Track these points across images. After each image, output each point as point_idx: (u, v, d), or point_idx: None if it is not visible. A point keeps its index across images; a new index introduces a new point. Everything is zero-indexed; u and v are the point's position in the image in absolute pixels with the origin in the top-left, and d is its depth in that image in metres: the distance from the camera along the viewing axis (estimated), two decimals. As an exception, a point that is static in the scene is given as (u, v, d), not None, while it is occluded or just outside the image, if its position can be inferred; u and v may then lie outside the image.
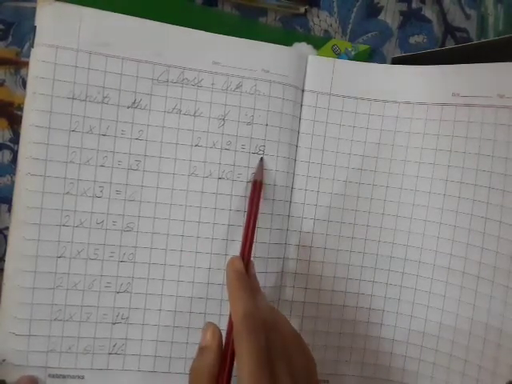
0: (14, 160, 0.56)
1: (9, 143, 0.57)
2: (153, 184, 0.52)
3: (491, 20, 0.62)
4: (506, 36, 0.54)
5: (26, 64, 0.51)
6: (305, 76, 0.55)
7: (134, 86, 0.51)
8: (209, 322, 0.45)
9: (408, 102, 0.56)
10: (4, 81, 0.57)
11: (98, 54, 0.50)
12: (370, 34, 0.63)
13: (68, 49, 0.50)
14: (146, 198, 0.52)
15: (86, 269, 0.51)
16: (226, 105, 0.53)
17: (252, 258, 0.48)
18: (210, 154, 0.53)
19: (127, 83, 0.51)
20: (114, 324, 0.52)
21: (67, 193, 0.50)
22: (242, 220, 0.53)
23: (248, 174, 0.53)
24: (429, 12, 0.63)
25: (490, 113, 0.52)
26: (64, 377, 0.51)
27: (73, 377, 0.51)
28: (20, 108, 0.56)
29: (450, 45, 0.64)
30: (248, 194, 0.53)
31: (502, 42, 0.55)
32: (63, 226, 0.50)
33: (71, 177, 0.50)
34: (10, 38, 0.57)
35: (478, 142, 0.53)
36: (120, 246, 0.51)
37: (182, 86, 0.52)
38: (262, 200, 0.52)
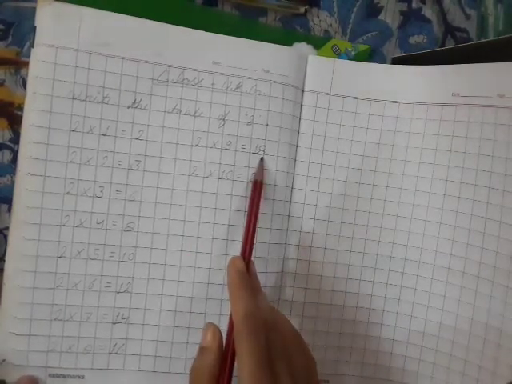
0: (14, 160, 0.56)
1: (9, 143, 0.57)
2: (153, 184, 0.52)
3: (491, 20, 0.62)
4: (506, 36, 0.54)
5: (26, 64, 0.51)
6: (305, 76, 0.55)
7: (134, 85, 0.51)
8: (209, 323, 0.46)
9: (408, 102, 0.56)
10: (4, 81, 0.57)
11: (98, 54, 0.50)
12: (369, 34, 0.63)
13: (68, 49, 0.50)
14: (146, 198, 0.52)
15: (86, 269, 0.51)
16: (226, 105, 0.53)
17: (252, 258, 0.48)
18: (210, 154, 0.53)
19: (127, 83, 0.51)
20: (114, 324, 0.52)
21: (67, 193, 0.50)
22: (242, 220, 0.53)
23: (248, 174, 0.53)
24: (429, 12, 0.63)
25: (490, 113, 0.52)
26: (64, 376, 0.51)
27: (73, 377, 0.51)
28: (20, 108, 0.56)
29: (450, 45, 0.64)
30: (248, 194, 0.53)
31: (502, 42, 0.55)
32: (63, 226, 0.50)
33: (71, 177, 0.50)
34: (9, 38, 0.57)
35: (478, 141, 0.53)
36: (120, 246, 0.52)
37: (182, 86, 0.52)
38: (262, 200, 0.51)
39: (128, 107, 0.51)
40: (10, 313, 0.50)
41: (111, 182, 0.51)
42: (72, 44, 0.50)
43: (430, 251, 0.55)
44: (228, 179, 0.53)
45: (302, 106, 0.55)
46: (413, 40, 0.63)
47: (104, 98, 0.50)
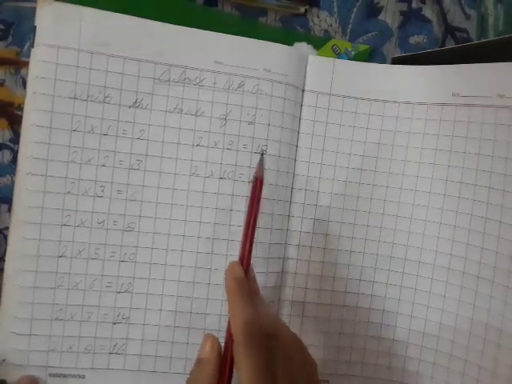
0: (14, 160, 0.56)
1: (9, 143, 0.57)
2: (154, 184, 0.52)
3: (491, 20, 0.62)
4: (506, 36, 0.55)
5: (26, 64, 0.51)
6: (305, 76, 0.55)
7: (135, 85, 0.51)
8: (208, 334, 0.44)
9: (408, 102, 0.56)
10: (4, 81, 0.57)
11: (99, 54, 0.50)
12: (369, 34, 0.63)
13: (70, 49, 0.50)
14: (147, 197, 0.52)
15: (86, 268, 0.51)
16: (227, 104, 0.53)
17: (252, 261, 0.47)
18: (212, 153, 0.53)
19: (128, 83, 0.51)
20: (114, 324, 0.52)
21: (68, 192, 0.50)
22: (243, 220, 0.53)
23: (250, 174, 0.53)
24: (429, 12, 0.64)
25: (490, 113, 0.52)
26: (65, 376, 0.51)
27: (73, 376, 0.51)
28: (20, 108, 0.56)
29: (450, 45, 0.64)
30: (249, 194, 0.53)
31: (502, 42, 0.55)
32: (64, 225, 0.50)
33: (72, 176, 0.50)
34: (9, 38, 0.56)
35: (478, 141, 0.53)
36: (121, 245, 0.52)
37: (184, 86, 0.52)
38: (262, 200, 0.51)
39: (129, 107, 0.51)
40: (10, 312, 0.50)
41: (112, 182, 0.51)
42: (73, 44, 0.50)
43: (429, 251, 0.55)
44: (229, 179, 0.53)
45: (302, 105, 0.55)
46: (413, 40, 0.63)
47: (105, 97, 0.50)
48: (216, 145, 0.53)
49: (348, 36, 0.62)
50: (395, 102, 0.56)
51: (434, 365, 0.55)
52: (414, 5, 0.63)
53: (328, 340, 0.56)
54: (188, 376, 0.43)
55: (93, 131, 0.50)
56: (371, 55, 0.62)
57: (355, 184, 0.56)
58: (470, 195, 0.53)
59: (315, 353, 0.55)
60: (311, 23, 0.62)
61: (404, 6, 0.63)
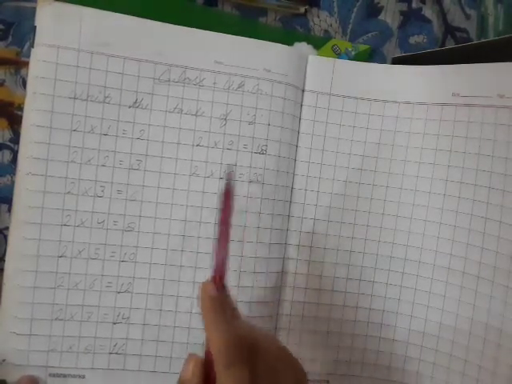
0: (14, 160, 0.56)
1: (9, 143, 0.57)
2: (154, 184, 0.52)
3: (491, 20, 0.62)
4: (506, 36, 0.55)
5: (26, 64, 0.51)
6: (305, 76, 0.55)
7: (135, 85, 0.51)
8: (190, 354, 0.42)
9: (408, 102, 0.56)
10: (4, 81, 0.57)
11: (99, 54, 0.50)
12: (370, 34, 0.63)
13: (70, 49, 0.50)
14: (147, 197, 0.52)
15: (86, 268, 0.51)
16: (227, 104, 0.53)
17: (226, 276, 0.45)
18: (212, 153, 0.53)
19: (129, 83, 0.51)
20: (114, 324, 0.52)
21: (68, 192, 0.50)
22: (243, 220, 0.53)
23: (250, 174, 0.53)
24: (429, 12, 0.64)
25: (490, 113, 0.52)
26: (65, 376, 0.51)
27: (73, 376, 0.51)
28: (20, 108, 0.56)
29: (450, 45, 0.64)
30: (249, 194, 0.53)
31: (502, 42, 0.55)
32: (64, 225, 0.50)
33: (72, 176, 0.50)
34: (9, 38, 0.56)
35: (478, 141, 0.53)
36: (121, 245, 0.51)
37: (184, 86, 0.52)
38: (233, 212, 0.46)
39: (129, 107, 0.51)
40: (10, 312, 0.50)
41: (112, 182, 0.51)
42: (73, 44, 0.50)
43: (429, 251, 0.55)
44: (229, 179, 0.53)
45: (302, 105, 0.55)
46: (413, 40, 0.63)
47: (105, 97, 0.50)
48: (216, 145, 0.53)
49: (348, 36, 0.62)
50: (395, 101, 0.56)
51: (433, 365, 0.55)
52: (413, 5, 0.63)
53: (328, 340, 0.56)
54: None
55: (93, 131, 0.50)
56: (371, 55, 0.62)
57: (355, 184, 0.56)
58: (470, 195, 0.53)
59: (315, 353, 0.55)
60: (311, 23, 0.62)
61: (404, 6, 0.63)
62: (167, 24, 0.52)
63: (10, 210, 0.55)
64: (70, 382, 0.51)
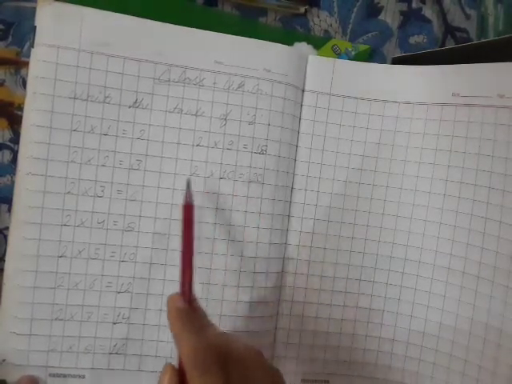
0: (14, 160, 0.56)
1: (9, 143, 0.57)
2: (154, 184, 0.52)
3: (491, 20, 0.62)
4: (506, 36, 0.55)
5: (26, 64, 0.51)
6: (305, 76, 0.55)
7: (135, 85, 0.51)
8: (167, 365, 0.41)
9: (408, 102, 0.56)
10: (4, 81, 0.57)
11: (99, 54, 0.50)
12: (370, 34, 0.63)
13: (70, 49, 0.50)
14: (147, 197, 0.52)
15: (86, 268, 0.51)
16: (227, 104, 0.53)
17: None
18: (212, 153, 0.53)
19: (129, 83, 0.51)
20: (114, 324, 0.52)
21: (68, 192, 0.50)
22: (243, 220, 0.53)
23: (250, 174, 0.53)
24: (429, 12, 0.64)
25: (490, 113, 0.52)
26: (65, 376, 0.51)
27: (73, 376, 0.51)
28: (20, 108, 0.56)
29: (450, 45, 0.64)
30: (249, 194, 0.53)
31: (502, 42, 0.55)
32: (64, 225, 0.50)
33: (72, 176, 0.50)
34: (9, 38, 0.56)
35: (478, 141, 0.53)
36: (121, 245, 0.51)
37: (184, 86, 0.52)
38: (195, 224, 0.47)
39: (129, 107, 0.51)
40: (10, 312, 0.50)
41: (112, 182, 0.51)
42: (74, 44, 0.50)
43: (429, 251, 0.55)
44: (229, 179, 0.53)
45: (302, 105, 0.55)
46: (413, 40, 0.63)
47: (105, 97, 0.50)
48: (216, 145, 0.52)
49: (348, 36, 0.62)
50: (395, 102, 0.56)
51: (433, 365, 0.55)
52: (413, 5, 0.63)
53: (328, 340, 0.56)
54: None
55: (93, 131, 0.50)
56: (371, 55, 0.62)
57: (355, 184, 0.56)
58: (470, 195, 0.53)
59: (315, 353, 0.55)
60: (311, 23, 0.62)
61: (404, 6, 0.63)
62: (167, 24, 0.52)
63: (9, 210, 0.55)
64: (70, 382, 0.51)
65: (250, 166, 0.53)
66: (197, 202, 0.52)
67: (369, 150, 0.56)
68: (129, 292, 0.52)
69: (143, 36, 0.51)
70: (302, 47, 0.60)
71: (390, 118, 0.56)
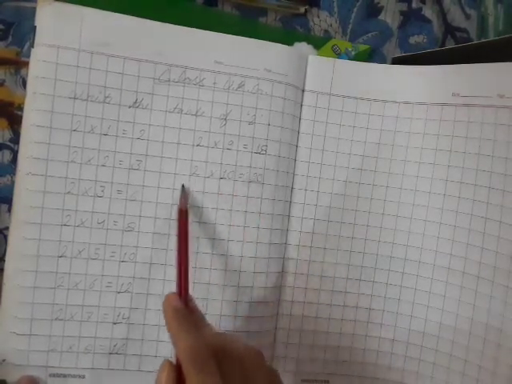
0: (14, 160, 0.56)
1: (9, 143, 0.57)
2: (154, 184, 0.52)
3: (491, 20, 0.62)
4: (506, 36, 0.55)
5: (26, 64, 0.51)
6: (305, 76, 0.55)
7: (135, 85, 0.51)
8: (165, 363, 0.41)
9: (408, 102, 0.56)
10: (4, 81, 0.56)
11: (99, 54, 0.50)
12: (370, 34, 0.63)
13: (70, 49, 0.50)
14: (147, 197, 0.52)
15: (86, 268, 0.51)
16: (227, 104, 0.53)
17: (192, 291, 0.46)
18: (212, 153, 0.53)
19: (129, 83, 0.51)
20: (114, 324, 0.52)
21: (68, 192, 0.50)
22: (243, 220, 0.53)
23: (250, 174, 0.53)
24: (429, 12, 0.64)
25: (490, 113, 0.52)
26: (65, 376, 0.51)
27: (73, 376, 0.51)
28: (20, 108, 0.56)
29: (450, 45, 0.64)
30: (249, 194, 0.53)
31: (502, 42, 0.55)
32: (64, 225, 0.50)
33: (72, 176, 0.50)
34: (9, 38, 0.56)
35: (478, 141, 0.53)
36: (121, 245, 0.51)
37: (184, 86, 0.52)
38: (189, 227, 0.49)
39: (129, 107, 0.51)
40: (10, 312, 0.50)
41: (112, 182, 0.51)
42: (74, 44, 0.50)
43: (429, 251, 0.55)
44: (229, 179, 0.53)
45: (302, 105, 0.55)
46: (413, 40, 0.63)
47: (105, 97, 0.50)
48: (216, 145, 0.52)
49: (348, 36, 0.62)
50: (395, 102, 0.56)
51: (433, 365, 0.55)
52: (414, 5, 0.63)
53: (328, 340, 0.56)
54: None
55: (93, 131, 0.50)
56: (371, 55, 0.62)
57: (355, 184, 0.56)
58: (470, 195, 0.53)
59: (315, 353, 0.55)
60: (311, 23, 0.62)
61: (404, 6, 0.63)
62: (167, 24, 0.52)
63: (9, 210, 0.55)
64: (70, 382, 0.51)
65: (250, 166, 0.53)
66: (197, 202, 0.52)
67: (369, 150, 0.56)
68: (129, 292, 0.52)
69: (143, 36, 0.51)
70: (302, 47, 0.60)
71: (389, 118, 0.56)
